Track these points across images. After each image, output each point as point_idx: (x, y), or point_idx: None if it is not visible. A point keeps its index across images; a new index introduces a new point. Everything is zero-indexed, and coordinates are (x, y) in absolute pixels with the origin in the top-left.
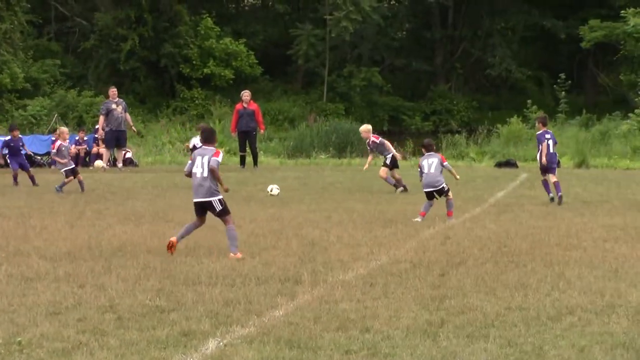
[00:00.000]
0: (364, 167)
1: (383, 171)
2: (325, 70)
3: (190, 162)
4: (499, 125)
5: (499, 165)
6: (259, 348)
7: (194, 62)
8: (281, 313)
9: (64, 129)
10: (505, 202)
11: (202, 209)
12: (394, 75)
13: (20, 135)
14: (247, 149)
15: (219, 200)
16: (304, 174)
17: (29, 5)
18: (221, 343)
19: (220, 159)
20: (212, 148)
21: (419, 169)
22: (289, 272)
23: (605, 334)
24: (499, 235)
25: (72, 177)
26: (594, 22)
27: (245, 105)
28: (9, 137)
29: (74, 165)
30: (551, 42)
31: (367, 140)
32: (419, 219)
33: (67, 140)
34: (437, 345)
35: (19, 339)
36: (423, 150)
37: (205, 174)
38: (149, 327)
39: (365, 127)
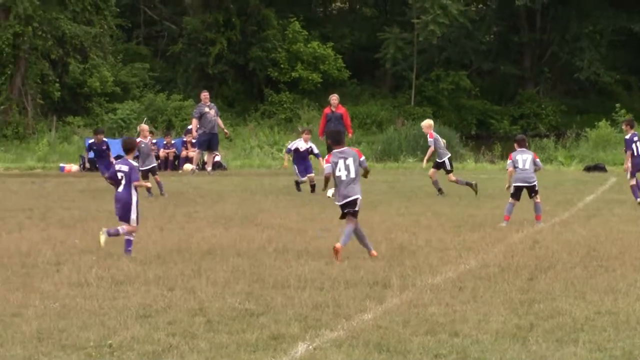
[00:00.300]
0: (423, 165)
1: (432, 172)
2: (413, 74)
3: (327, 165)
4: (587, 129)
5: (588, 169)
6: (347, 352)
7: (282, 65)
8: (370, 317)
9: (144, 126)
10: (594, 206)
11: (351, 207)
12: (481, 78)
13: (105, 139)
14: None
15: (360, 198)
16: (392, 177)
17: (118, 10)
18: (310, 346)
19: (364, 157)
20: (350, 149)
21: (511, 163)
22: (377, 275)
23: None
24: (588, 240)
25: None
26: None
27: (333, 108)
28: (92, 140)
29: (154, 164)
30: None
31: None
32: (504, 224)
33: (148, 138)
34: (527, 349)
35: (110, 341)
36: (515, 145)
37: (353, 175)
38: (238, 331)
39: (427, 122)
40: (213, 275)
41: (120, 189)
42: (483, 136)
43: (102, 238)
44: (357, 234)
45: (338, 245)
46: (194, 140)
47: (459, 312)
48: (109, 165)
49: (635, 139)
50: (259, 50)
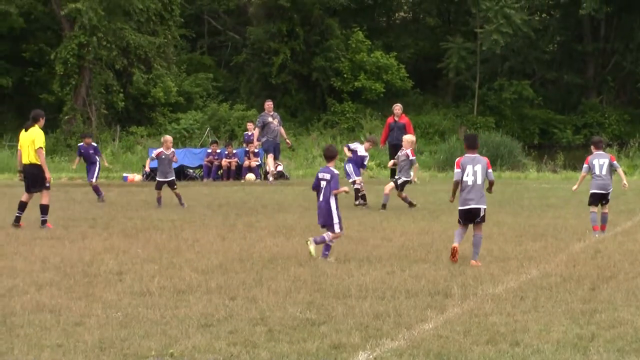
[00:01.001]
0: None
1: (388, 187)
2: (476, 83)
3: (457, 170)
4: None
5: None
6: None
7: (345, 75)
8: (431, 326)
9: (168, 137)
10: None
11: (473, 216)
12: (544, 88)
13: (93, 144)
14: None
15: (485, 208)
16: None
17: (182, 20)
18: (371, 356)
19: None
20: (480, 156)
21: (586, 168)
22: (438, 285)
23: None
24: None
25: (160, 191)
26: None
27: (396, 118)
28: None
29: (172, 178)
30: None
31: (404, 151)
32: (596, 234)
33: (171, 149)
34: (588, 359)
35: (171, 350)
36: (592, 147)
37: (480, 181)
38: (299, 340)
39: (411, 138)
40: (274, 284)
41: (321, 197)
42: (546, 146)
43: (312, 247)
44: (461, 234)
45: (473, 261)
46: (256, 150)
47: (520, 322)
48: (94, 170)
49: None
50: (322, 60)
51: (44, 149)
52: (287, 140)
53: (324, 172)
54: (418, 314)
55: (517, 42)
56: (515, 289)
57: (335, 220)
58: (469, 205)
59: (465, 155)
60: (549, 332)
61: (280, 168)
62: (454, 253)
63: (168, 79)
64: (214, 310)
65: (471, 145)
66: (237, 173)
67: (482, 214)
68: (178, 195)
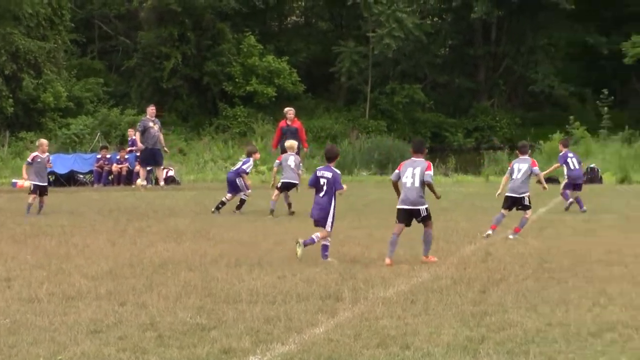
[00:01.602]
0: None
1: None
2: (368, 87)
3: (397, 171)
4: (541, 142)
5: None
6: None
7: (237, 79)
8: (321, 330)
9: (44, 140)
10: (547, 218)
11: (409, 216)
12: (436, 91)
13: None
14: None
15: (426, 208)
16: (350, 191)
17: (73, 25)
18: None
19: (432, 172)
20: (423, 160)
21: (509, 171)
22: (329, 289)
23: None
24: (541, 252)
25: (35, 196)
26: (637, 38)
27: (289, 122)
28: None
29: (46, 184)
30: (594, 58)
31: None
32: (490, 232)
33: (46, 153)
34: None
35: (60, 357)
36: (518, 152)
37: (417, 184)
38: (189, 345)
39: (293, 143)
40: (165, 289)
41: (322, 194)
42: (437, 149)
43: (299, 250)
44: (394, 242)
45: (424, 257)
46: (138, 154)
47: (410, 325)
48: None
49: (570, 155)
50: (213, 64)
51: None
52: (165, 148)
53: (324, 171)
54: (309, 318)
55: (408, 46)
56: (406, 292)
57: (330, 218)
58: (404, 205)
59: (411, 158)
60: (439, 334)
61: (171, 173)
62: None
63: (58, 84)
64: (104, 316)
65: (415, 149)
66: (128, 178)
67: (422, 215)
68: (42, 203)
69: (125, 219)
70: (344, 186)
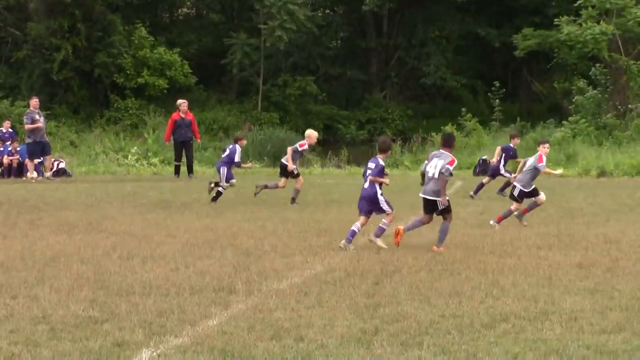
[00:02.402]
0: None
1: (284, 182)
2: (260, 80)
3: (426, 162)
4: (433, 134)
5: None
6: (192, 358)
7: (128, 71)
8: (215, 322)
9: None
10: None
11: (429, 205)
12: (329, 84)
13: None
14: (182, 159)
15: (439, 200)
16: (238, 183)
17: None
18: (154, 353)
19: (453, 168)
20: (448, 154)
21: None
22: (223, 281)
23: (538, 340)
24: (434, 243)
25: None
26: (528, 31)
27: (183, 115)
28: None
29: None
30: (485, 50)
31: (306, 147)
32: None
33: None
34: (371, 353)
35: None
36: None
37: (437, 175)
38: (82, 338)
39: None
40: (57, 282)
41: (366, 185)
42: (330, 141)
43: (379, 243)
44: (416, 224)
45: (435, 247)
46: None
47: (304, 317)
48: None
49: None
50: (104, 56)
51: None
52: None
53: (371, 162)
54: (202, 310)
55: (301, 38)
56: (300, 284)
57: (383, 203)
58: (423, 194)
59: (440, 150)
60: (333, 326)
61: (62, 165)
62: (396, 234)
63: None
64: None
65: (444, 143)
66: (19, 170)
67: (439, 207)
68: None
69: (16, 212)
70: (384, 179)
